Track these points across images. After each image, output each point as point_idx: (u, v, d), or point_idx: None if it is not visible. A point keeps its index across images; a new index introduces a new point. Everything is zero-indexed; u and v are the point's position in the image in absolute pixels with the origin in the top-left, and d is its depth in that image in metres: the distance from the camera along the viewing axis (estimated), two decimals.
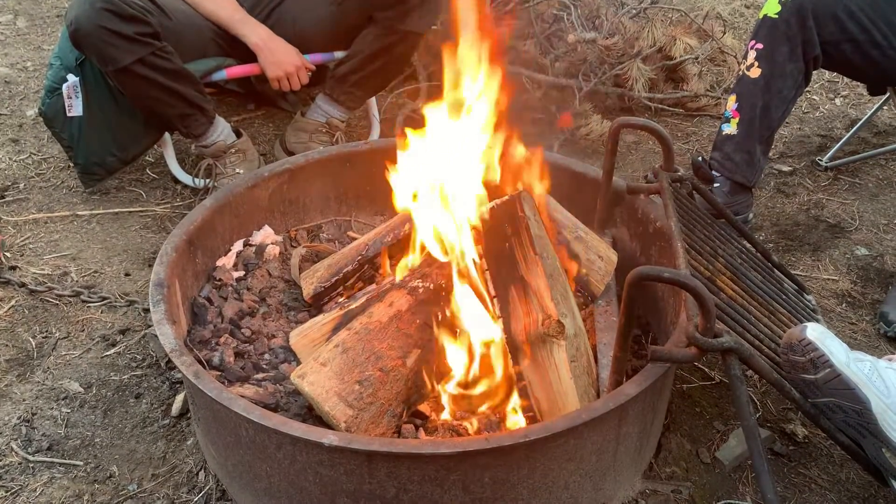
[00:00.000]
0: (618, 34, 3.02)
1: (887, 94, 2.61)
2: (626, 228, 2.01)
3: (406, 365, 1.55)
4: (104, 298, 2.11)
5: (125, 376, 1.89)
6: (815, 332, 1.39)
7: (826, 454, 1.71)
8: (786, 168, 2.79)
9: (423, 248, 1.75)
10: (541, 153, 1.78)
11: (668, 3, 3.27)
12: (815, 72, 2.28)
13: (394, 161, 1.80)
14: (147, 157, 2.74)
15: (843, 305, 2.15)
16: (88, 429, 1.76)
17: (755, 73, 2.23)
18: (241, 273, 2.01)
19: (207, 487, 1.62)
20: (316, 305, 1.89)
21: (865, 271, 2.28)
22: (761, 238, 2.39)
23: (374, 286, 1.85)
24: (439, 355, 1.60)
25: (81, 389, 1.85)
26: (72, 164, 2.57)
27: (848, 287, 2.21)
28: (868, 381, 1.37)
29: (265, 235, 2.11)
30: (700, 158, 2.40)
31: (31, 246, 2.33)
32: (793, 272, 2.11)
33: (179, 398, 1.81)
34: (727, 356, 1.34)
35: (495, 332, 1.59)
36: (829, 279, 2.25)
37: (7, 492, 1.61)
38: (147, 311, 2.04)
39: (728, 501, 1.60)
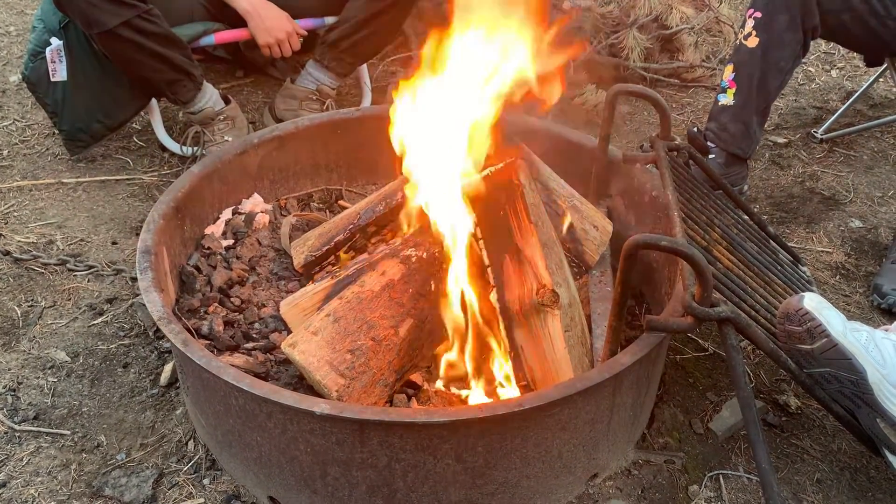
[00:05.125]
0: (614, 2, 2.98)
1: (884, 66, 2.58)
2: (621, 198, 1.99)
3: (398, 334, 1.53)
4: (91, 267, 2.07)
5: (113, 345, 1.86)
6: (813, 302, 1.38)
7: (818, 425, 1.71)
8: (781, 140, 2.77)
9: (416, 216, 1.72)
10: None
11: None
12: (812, 42, 2.25)
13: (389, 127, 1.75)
14: (134, 125, 2.69)
15: (837, 277, 2.14)
16: (75, 398, 1.73)
17: (753, 42, 2.20)
18: (231, 242, 1.97)
19: (197, 457, 1.61)
20: (307, 275, 1.87)
21: (859, 243, 2.27)
22: (756, 210, 2.37)
23: (365, 255, 1.82)
24: (432, 324, 1.58)
25: (68, 359, 1.82)
26: (56, 131, 2.52)
27: (842, 259, 2.20)
28: (865, 351, 1.37)
29: (254, 204, 2.07)
30: (695, 129, 2.38)
31: (15, 214, 2.29)
32: (787, 244, 2.10)
33: (168, 367, 1.79)
34: (724, 326, 1.33)
35: (489, 301, 1.57)
36: (823, 251, 2.24)
37: None
38: (134, 280, 2.01)
39: (720, 472, 1.60)
